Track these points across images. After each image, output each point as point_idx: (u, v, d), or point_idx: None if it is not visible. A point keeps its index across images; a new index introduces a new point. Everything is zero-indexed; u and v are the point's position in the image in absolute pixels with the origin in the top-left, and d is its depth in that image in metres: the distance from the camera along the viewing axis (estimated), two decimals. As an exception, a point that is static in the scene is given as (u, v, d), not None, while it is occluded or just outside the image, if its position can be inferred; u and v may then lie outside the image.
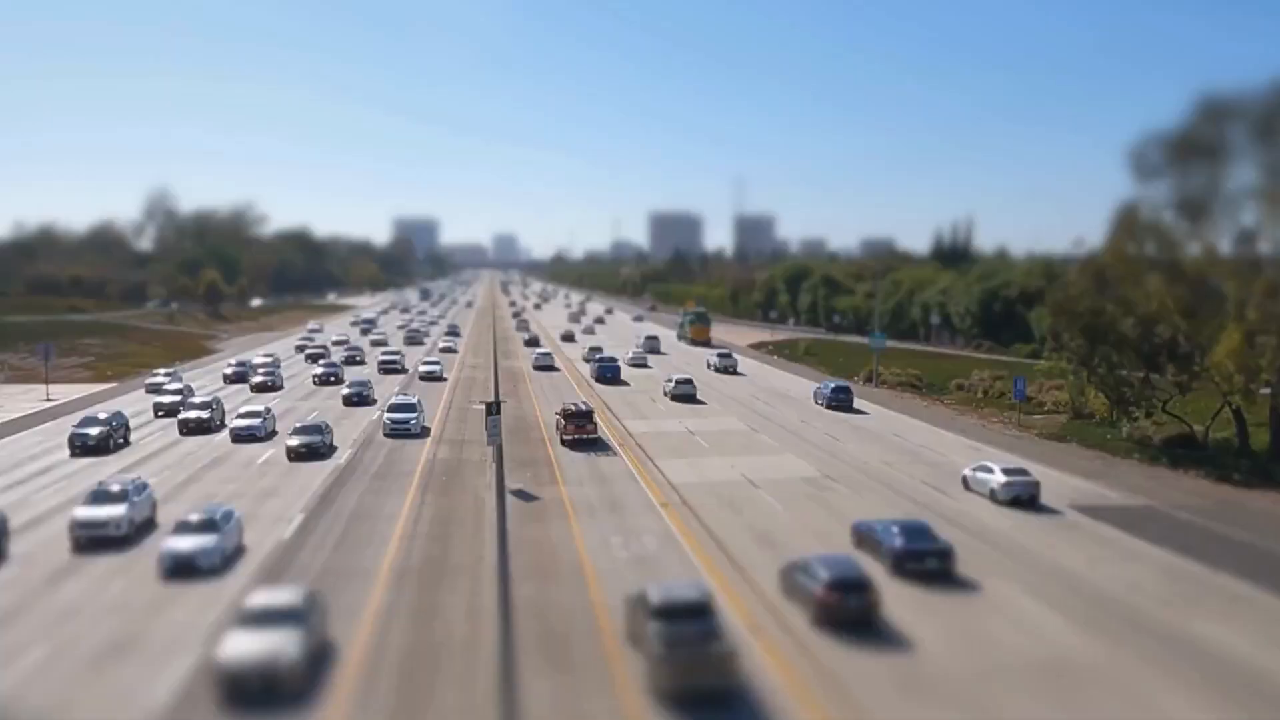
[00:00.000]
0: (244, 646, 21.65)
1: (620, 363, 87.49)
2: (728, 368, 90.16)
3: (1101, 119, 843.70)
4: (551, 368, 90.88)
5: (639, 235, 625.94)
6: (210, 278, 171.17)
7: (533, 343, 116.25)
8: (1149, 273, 48.57)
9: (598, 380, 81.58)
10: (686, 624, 22.02)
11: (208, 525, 30.87)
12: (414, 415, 55.33)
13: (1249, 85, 46.20)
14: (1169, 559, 32.35)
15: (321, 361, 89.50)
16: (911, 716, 20.84)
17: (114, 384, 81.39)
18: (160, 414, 61.55)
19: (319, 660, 22.94)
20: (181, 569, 29.35)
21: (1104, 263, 50.87)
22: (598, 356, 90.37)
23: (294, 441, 48.03)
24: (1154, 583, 29.77)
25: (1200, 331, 47.51)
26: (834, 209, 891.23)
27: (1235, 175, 46.44)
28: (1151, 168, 47.73)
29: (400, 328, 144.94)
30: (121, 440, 51.92)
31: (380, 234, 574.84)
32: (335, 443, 50.91)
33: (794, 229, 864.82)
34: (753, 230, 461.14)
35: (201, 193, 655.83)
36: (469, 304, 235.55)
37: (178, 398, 64.26)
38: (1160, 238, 49.28)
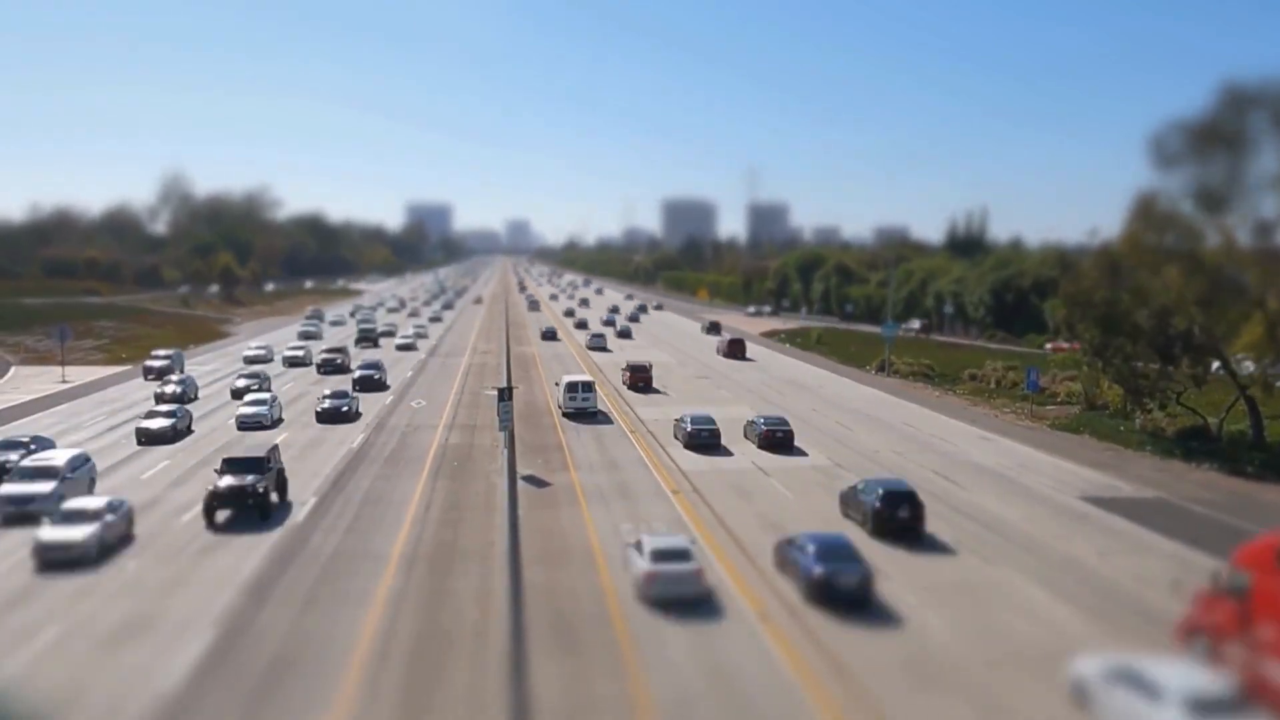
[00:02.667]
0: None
1: None
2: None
3: (1116, 111, 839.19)
4: None
5: (652, 222, 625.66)
6: (224, 261, 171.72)
7: None
8: (1165, 263, 48.21)
9: None
10: None
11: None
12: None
13: (1272, 75, 45.87)
14: (1180, 551, 32.25)
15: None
16: (918, 703, 20.87)
17: (128, 366, 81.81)
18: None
19: None
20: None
21: (1119, 252, 50.52)
22: None
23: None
24: (1164, 575, 29.63)
25: (1216, 323, 47.19)
26: (848, 198, 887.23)
27: (1256, 165, 46.06)
28: (1171, 156, 47.30)
29: None
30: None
31: (394, 219, 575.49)
32: None
33: (807, 217, 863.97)
34: (766, 218, 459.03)
35: (216, 177, 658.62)
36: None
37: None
38: (1178, 227, 48.89)
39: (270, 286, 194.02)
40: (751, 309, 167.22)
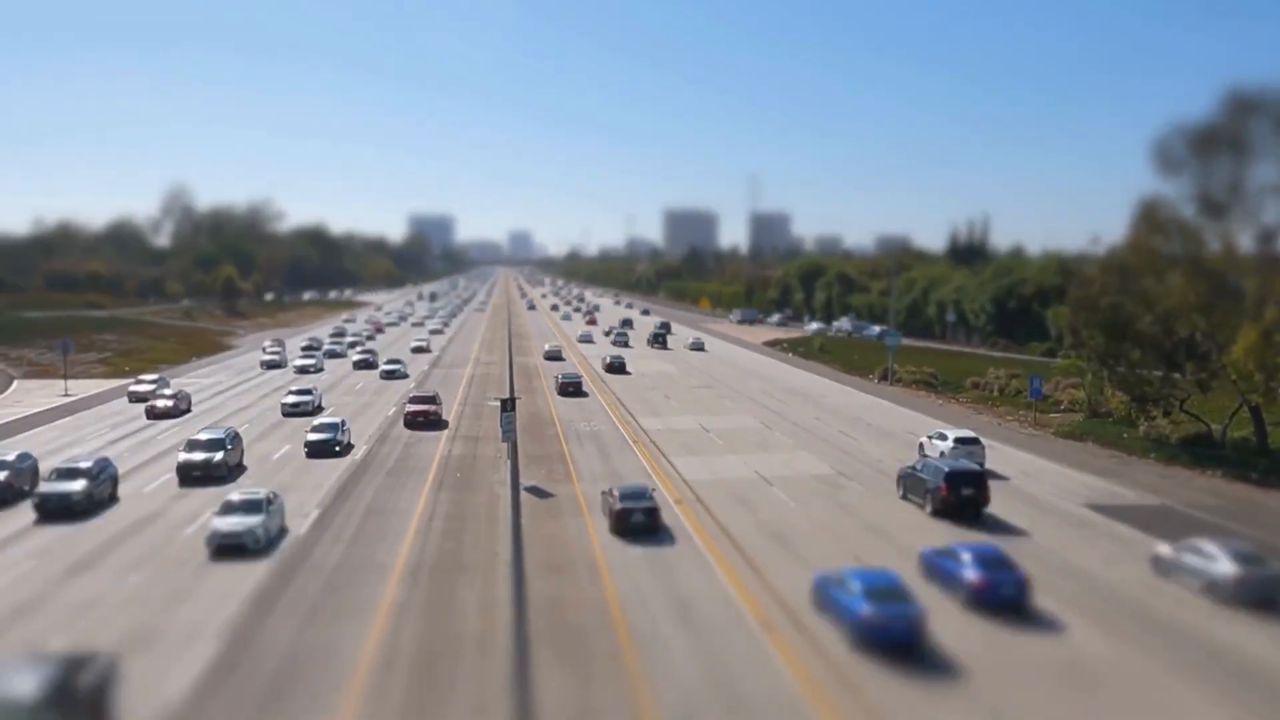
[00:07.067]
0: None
1: None
2: None
3: (1117, 118, 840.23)
4: None
5: (654, 232, 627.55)
6: (226, 274, 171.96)
7: None
8: (1169, 268, 48.21)
9: None
10: None
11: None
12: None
13: (1274, 80, 46.00)
14: (1186, 558, 32.11)
15: None
16: (922, 713, 20.78)
17: (131, 379, 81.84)
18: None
19: None
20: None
21: (1124, 258, 50.50)
22: None
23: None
24: (1169, 582, 29.57)
25: (1220, 329, 47.16)
26: (849, 206, 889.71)
27: (1258, 172, 46.08)
28: (1174, 162, 47.37)
29: None
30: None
31: (396, 231, 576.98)
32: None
33: (809, 226, 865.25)
34: (767, 227, 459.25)
35: (219, 190, 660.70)
36: None
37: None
38: (1181, 233, 48.91)
39: (269, 296, 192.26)
40: (750, 314, 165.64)
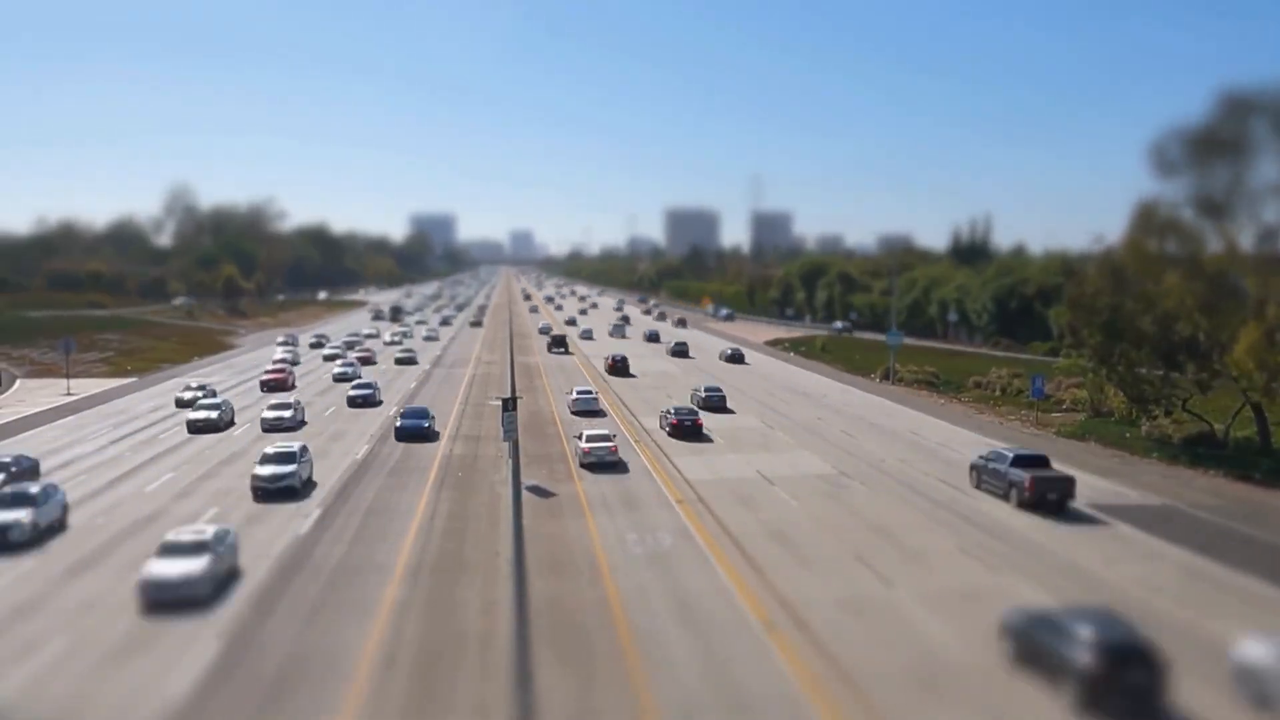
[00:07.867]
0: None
1: None
2: None
3: (1117, 117, 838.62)
4: None
5: (655, 232, 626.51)
6: (228, 273, 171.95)
7: None
8: (1168, 269, 48.17)
9: None
10: None
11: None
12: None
13: (1272, 81, 45.88)
14: (1188, 558, 32.10)
15: None
16: (924, 714, 20.78)
17: (133, 379, 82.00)
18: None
19: None
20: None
21: (1122, 259, 50.47)
22: None
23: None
24: (1172, 582, 29.56)
25: (1220, 329, 47.08)
26: (851, 206, 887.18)
27: (1257, 172, 46.00)
28: (1172, 163, 47.31)
29: None
30: None
31: (398, 230, 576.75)
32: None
33: (811, 226, 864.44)
34: (769, 227, 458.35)
35: (221, 190, 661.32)
36: None
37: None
38: (1180, 234, 48.86)
39: (280, 297, 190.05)
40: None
